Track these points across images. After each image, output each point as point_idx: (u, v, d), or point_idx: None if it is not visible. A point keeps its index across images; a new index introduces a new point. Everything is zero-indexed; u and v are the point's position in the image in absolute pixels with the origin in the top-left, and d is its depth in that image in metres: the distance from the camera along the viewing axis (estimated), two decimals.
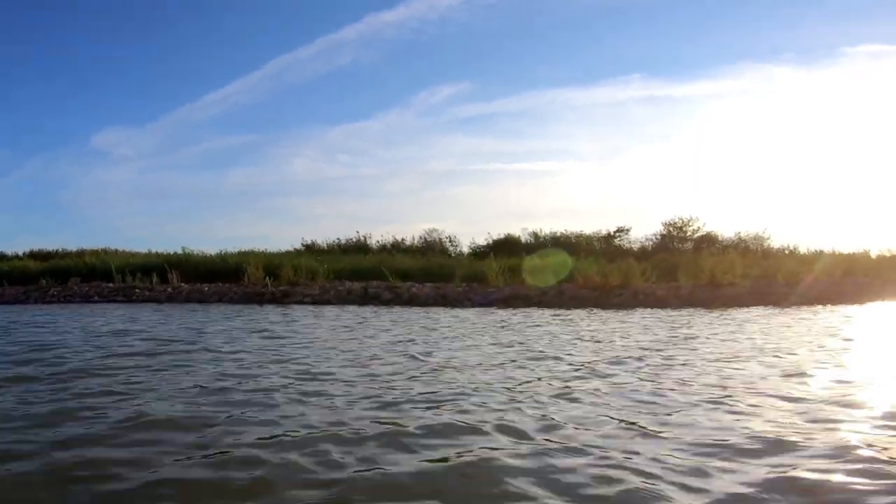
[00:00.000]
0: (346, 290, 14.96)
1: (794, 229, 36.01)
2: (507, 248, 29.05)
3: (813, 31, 34.21)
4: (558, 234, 30.09)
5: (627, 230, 29.57)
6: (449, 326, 9.41)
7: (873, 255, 20.71)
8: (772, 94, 35.34)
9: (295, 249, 29.06)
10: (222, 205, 37.78)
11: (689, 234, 30.02)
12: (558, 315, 11.57)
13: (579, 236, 29.67)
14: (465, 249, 30.45)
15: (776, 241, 28.72)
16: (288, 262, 16.85)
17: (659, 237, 30.00)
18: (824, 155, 36.11)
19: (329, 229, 44.80)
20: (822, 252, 23.76)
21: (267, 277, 15.98)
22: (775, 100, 35.48)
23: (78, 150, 35.96)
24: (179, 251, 22.77)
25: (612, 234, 29.31)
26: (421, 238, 30.60)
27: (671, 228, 30.16)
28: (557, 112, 37.18)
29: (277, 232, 43.98)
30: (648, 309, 13.10)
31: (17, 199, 34.38)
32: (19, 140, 34.85)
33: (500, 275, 15.94)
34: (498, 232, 30.95)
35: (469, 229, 40.38)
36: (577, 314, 11.82)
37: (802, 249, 26.68)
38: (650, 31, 35.60)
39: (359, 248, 29.67)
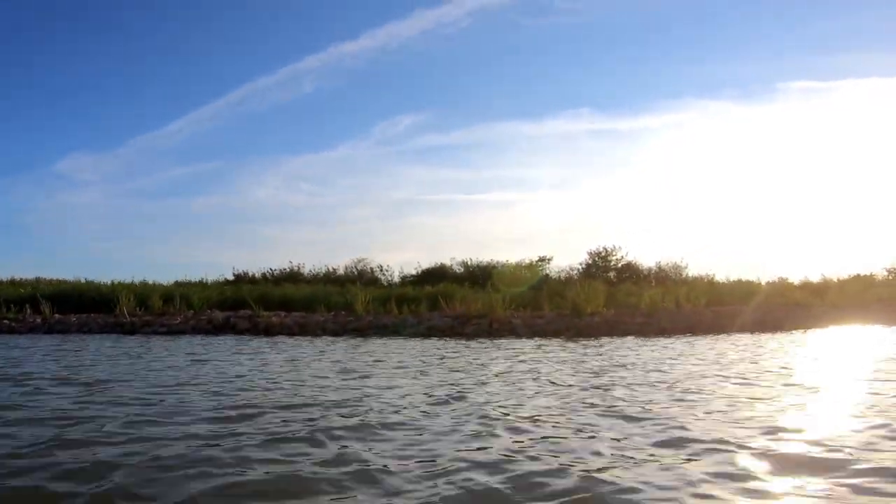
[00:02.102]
0: (206, 320, 15.06)
1: (735, 258, 36.83)
2: (435, 276, 29.30)
3: (751, 66, 35.51)
4: (484, 263, 30.40)
5: (549, 259, 29.94)
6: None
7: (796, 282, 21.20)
8: (712, 128, 36.49)
9: (225, 279, 29.24)
10: (184, 231, 37.86)
11: (612, 263, 30.42)
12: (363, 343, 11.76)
13: (504, 265, 29.99)
14: (396, 278, 30.72)
15: (693, 270, 29.18)
16: (156, 293, 17.01)
17: (584, 266, 30.36)
18: (761, 187, 37.10)
19: (288, 257, 44.79)
20: (741, 280, 24.10)
21: (138, 308, 16.13)
22: (716, 134, 36.68)
23: (41, 175, 36.25)
24: (90, 279, 23.07)
25: (533, 262, 29.65)
26: (351, 267, 30.85)
27: (596, 258, 30.55)
28: (512, 144, 38.20)
29: (234, 259, 44.09)
30: (499, 339, 13.26)
31: None
32: None
33: (367, 304, 16.11)
34: (439, 261, 31.37)
35: (429, 257, 40.49)
36: (391, 343, 11.97)
37: (720, 278, 27.04)
38: (599, 66, 36.80)
39: (291, 277, 29.68)
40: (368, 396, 5.65)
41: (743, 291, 17.91)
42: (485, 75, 37.74)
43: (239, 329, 14.68)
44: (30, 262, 45.89)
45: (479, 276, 29.70)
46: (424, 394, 5.81)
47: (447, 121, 38.68)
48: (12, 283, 24.26)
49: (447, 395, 5.68)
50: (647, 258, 33.19)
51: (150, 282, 21.09)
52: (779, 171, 37.25)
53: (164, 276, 26.92)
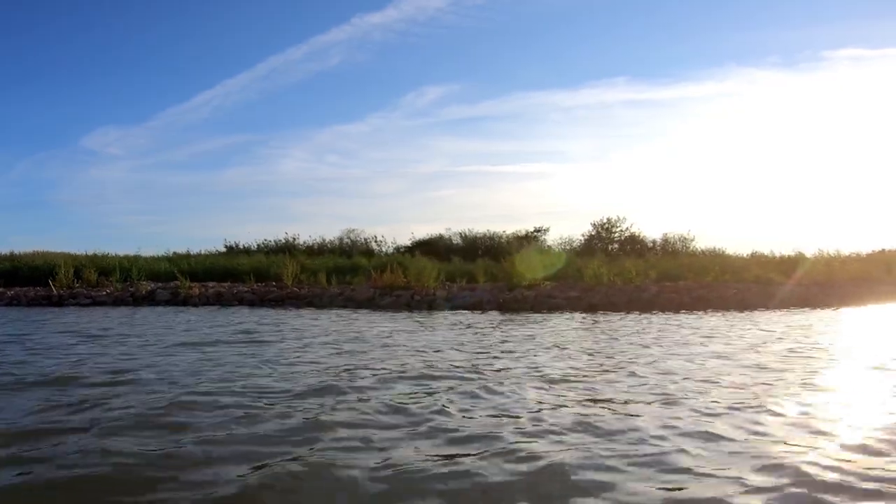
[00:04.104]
0: (131, 293, 14.88)
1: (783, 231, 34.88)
2: (429, 247, 28.67)
3: (797, 34, 33.20)
4: (479, 234, 29.54)
5: (546, 230, 28.79)
6: None
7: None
8: (756, 97, 34.38)
9: (217, 251, 29.29)
10: (212, 204, 38.00)
11: (616, 234, 28.90)
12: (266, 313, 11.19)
13: (500, 236, 29.04)
14: (391, 249, 30.22)
15: (702, 243, 27.36)
16: (91, 264, 16.94)
17: (587, 237, 28.99)
18: (807, 158, 34.79)
19: (314, 229, 44.76)
20: (756, 254, 22.28)
21: (76, 280, 16.14)
22: (760, 103, 34.63)
23: (68, 150, 36.27)
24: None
25: (529, 233, 28.53)
26: (343, 238, 30.52)
27: (599, 229, 29.08)
28: (545, 114, 36.92)
29: (260, 231, 43.93)
30: (414, 310, 12.54)
31: (8, 200, 34.63)
32: (9, 140, 35.09)
33: (296, 275, 15.60)
34: (434, 232, 30.80)
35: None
36: (274, 314, 11.35)
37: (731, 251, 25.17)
38: (636, 34, 35.05)
39: (285, 248, 29.50)
40: None
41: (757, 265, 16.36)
42: (516, 45, 36.33)
43: (159, 300, 14.44)
44: (58, 236, 46.71)
45: (479, 247, 28.98)
46: None
47: (477, 92, 37.24)
48: None
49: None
50: (653, 230, 31.84)
51: (110, 254, 21.13)
52: (824, 142, 34.73)
53: (183, 247, 27.24)
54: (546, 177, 36.61)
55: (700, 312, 11.93)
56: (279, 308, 13.27)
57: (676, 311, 12.53)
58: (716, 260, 18.29)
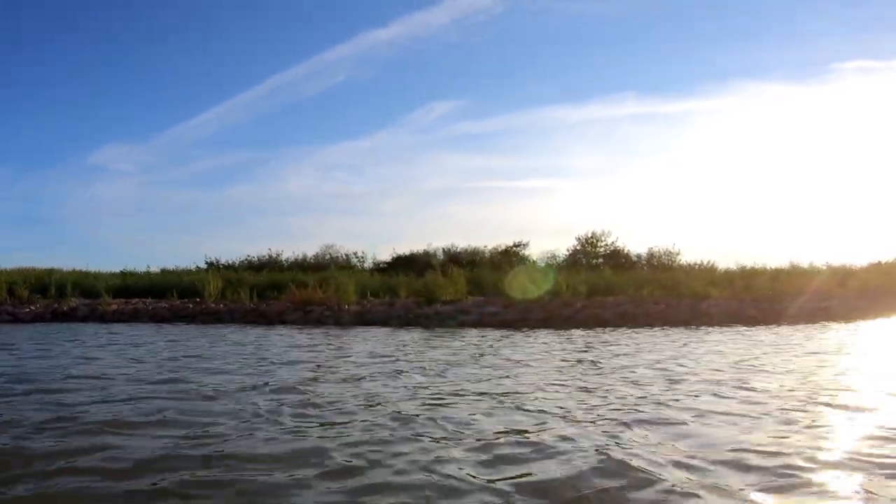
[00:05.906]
0: (52, 310, 14.78)
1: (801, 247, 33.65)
2: (410, 263, 28.24)
3: (804, 47, 32.30)
4: (460, 250, 28.96)
5: (525, 244, 28.02)
6: None
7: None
8: (764, 110, 33.55)
9: (197, 268, 29.24)
10: (217, 221, 37.66)
11: (600, 249, 27.97)
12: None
13: (482, 251, 28.46)
14: (370, 265, 29.84)
15: (687, 257, 26.16)
16: (27, 281, 16.85)
17: (571, 251, 28.15)
18: (818, 169, 33.65)
19: (318, 246, 44.50)
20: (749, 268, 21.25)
21: (8, 297, 16.15)
22: (768, 116, 33.83)
23: (76, 166, 36.07)
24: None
25: (508, 248, 27.82)
26: (325, 254, 30.29)
27: (584, 244, 28.20)
28: (552, 130, 36.16)
29: (264, 248, 43.75)
30: (287, 326, 12.12)
31: (14, 216, 34.18)
32: (16, 156, 35.06)
33: (218, 292, 15.31)
34: (420, 248, 30.39)
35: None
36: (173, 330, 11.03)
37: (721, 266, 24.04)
38: (644, 49, 34.34)
39: (269, 264, 29.38)
40: None
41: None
42: (521, 61, 35.67)
43: (79, 316, 14.33)
44: (64, 253, 46.29)
45: (461, 262, 28.37)
46: None
47: (483, 107, 36.51)
48: None
49: None
50: (644, 244, 30.82)
51: (61, 269, 21.16)
52: (835, 153, 33.36)
53: (187, 263, 27.11)
54: (553, 192, 35.81)
55: (612, 329, 11.20)
56: (190, 324, 13.01)
57: (599, 327, 11.83)
58: (669, 274, 17.37)
